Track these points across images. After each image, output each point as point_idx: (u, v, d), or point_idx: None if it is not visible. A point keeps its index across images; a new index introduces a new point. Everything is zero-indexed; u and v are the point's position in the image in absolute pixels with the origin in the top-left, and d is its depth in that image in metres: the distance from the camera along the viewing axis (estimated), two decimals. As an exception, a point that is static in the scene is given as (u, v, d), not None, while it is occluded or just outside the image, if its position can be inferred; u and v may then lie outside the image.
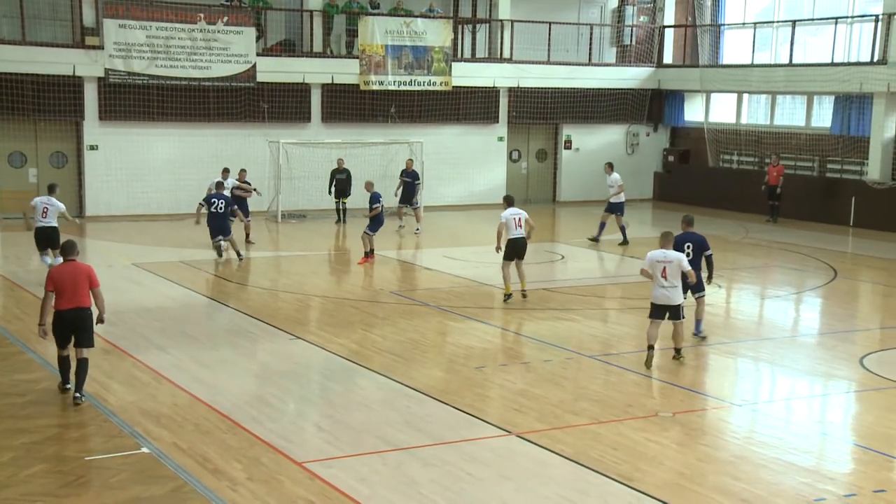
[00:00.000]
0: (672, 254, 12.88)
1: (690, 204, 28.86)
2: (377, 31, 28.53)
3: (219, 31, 26.63)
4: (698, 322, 14.39)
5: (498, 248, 16.96)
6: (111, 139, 26.25)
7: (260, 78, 27.21)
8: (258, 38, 27.59)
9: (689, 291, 13.78)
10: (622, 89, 32.37)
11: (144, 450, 9.59)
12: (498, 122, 30.99)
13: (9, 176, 25.65)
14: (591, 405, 11.26)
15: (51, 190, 18.27)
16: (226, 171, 22.52)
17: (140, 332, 14.35)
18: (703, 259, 14.05)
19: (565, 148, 32.39)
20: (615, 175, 23.74)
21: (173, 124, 26.80)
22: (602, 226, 23.61)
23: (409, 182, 25.23)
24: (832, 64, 27.52)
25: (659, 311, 12.92)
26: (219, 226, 20.09)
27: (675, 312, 12.91)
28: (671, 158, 33.03)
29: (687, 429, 10.55)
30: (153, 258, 20.48)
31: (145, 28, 25.87)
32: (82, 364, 11.17)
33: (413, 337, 14.39)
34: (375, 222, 20.30)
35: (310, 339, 14.10)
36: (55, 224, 17.81)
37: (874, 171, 26.54)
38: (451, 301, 16.83)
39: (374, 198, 20.39)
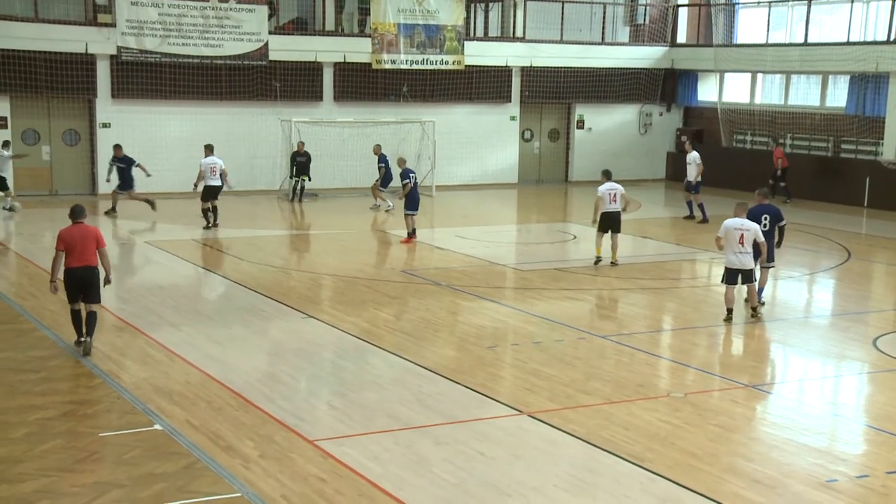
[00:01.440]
0: (749, 223, 14.02)
1: (703, 184, 28.76)
2: (390, 10, 28.41)
3: (231, 9, 26.57)
4: (760, 290, 14.84)
5: (594, 221, 18.29)
6: (123, 117, 26.27)
7: (272, 56, 27.17)
8: (270, 16, 27.52)
9: (757, 262, 14.49)
10: (635, 69, 32.21)
11: (157, 426, 9.64)
12: (510, 101, 30.89)
13: (22, 153, 25.65)
14: (602, 385, 11.26)
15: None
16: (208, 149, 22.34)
17: (153, 309, 14.39)
18: (777, 229, 15.04)
19: (578, 127, 32.27)
20: (693, 153, 24.10)
21: (185, 102, 26.79)
22: (690, 204, 24.24)
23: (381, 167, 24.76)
24: (848, 43, 27.30)
25: (733, 276, 14.06)
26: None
27: (747, 276, 14.08)
28: (684, 139, 32.86)
29: (699, 409, 10.54)
30: (165, 236, 20.54)
31: (158, 6, 25.82)
32: (91, 317, 12.12)
33: (425, 316, 14.40)
34: (411, 201, 20.20)
35: (322, 317, 14.12)
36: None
37: (889, 151, 26.36)
38: (463, 280, 16.83)
39: (405, 173, 20.32)
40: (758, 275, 14.61)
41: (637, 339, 13.34)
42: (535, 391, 11.01)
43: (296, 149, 26.16)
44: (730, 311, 14.14)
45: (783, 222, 15.13)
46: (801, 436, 9.85)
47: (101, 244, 12.04)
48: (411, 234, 20.27)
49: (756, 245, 14.01)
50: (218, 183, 21.50)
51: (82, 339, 12.09)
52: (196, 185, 22.04)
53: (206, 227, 21.29)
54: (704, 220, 23.49)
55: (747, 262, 13.99)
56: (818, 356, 13.22)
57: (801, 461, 9.20)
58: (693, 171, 23.79)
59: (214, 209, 21.46)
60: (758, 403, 11.16)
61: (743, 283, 14.17)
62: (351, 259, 18.83)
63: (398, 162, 21.11)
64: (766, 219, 14.84)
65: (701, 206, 23.79)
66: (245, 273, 17.13)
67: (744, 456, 9.30)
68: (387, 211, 24.28)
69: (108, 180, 23.31)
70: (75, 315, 12.15)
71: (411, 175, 20.36)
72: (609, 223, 18.01)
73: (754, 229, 13.95)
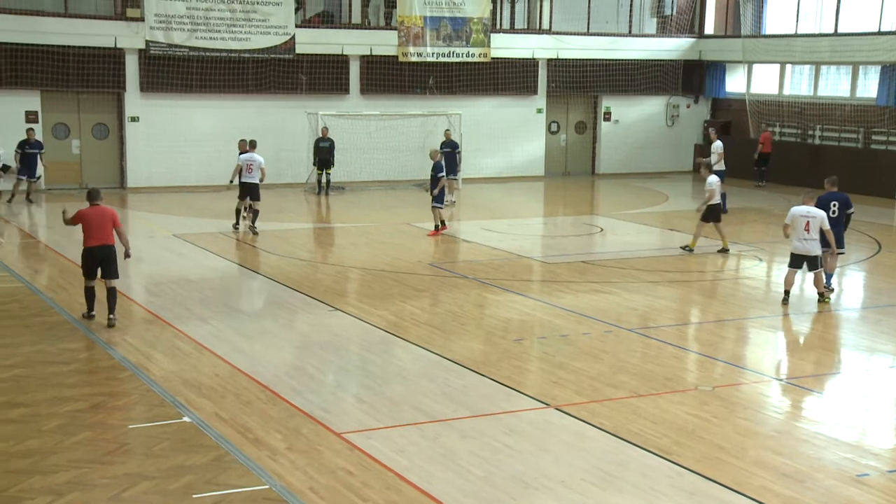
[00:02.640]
0: (815, 210, 14.50)
1: (731, 176, 28.56)
2: (416, 3, 28.40)
3: (258, 3, 26.66)
4: (829, 276, 15.29)
5: (697, 210, 19.05)
6: (152, 111, 26.45)
7: (299, 49, 27.24)
8: (297, 10, 27.60)
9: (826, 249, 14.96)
10: (662, 60, 32.04)
11: (186, 419, 9.71)
12: (537, 93, 30.81)
13: (53, 147, 25.92)
14: (630, 378, 11.22)
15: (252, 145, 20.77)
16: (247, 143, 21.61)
17: (181, 302, 14.49)
18: (845, 216, 15.52)
19: (605, 120, 32.14)
20: (718, 142, 24.33)
21: (213, 96, 26.94)
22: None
23: (450, 153, 24.99)
24: (879, 33, 27.01)
25: (797, 261, 14.62)
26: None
27: (813, 262, 14.58)
28: (711, 130, 32.64)
29: (727, 403, 10.48)
30: (193, 229, 20.66)
31: (185, 0, 25.94)
32: (111, 292, 12.97)
33: (451, 309, 14.41)
34: (440, 194, 20.27)
35: (349, 310, 14.16)
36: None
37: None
38: (489, 273, 16.82)
39: (437, 167, 20.34)
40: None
41: (664, 333, 13.29)
42: (562, 384, 10.99)
43: (320, 134, 26.21)
44: (787, 293, 14.77)
45: (851, 209, 15.57)
46: (831, 429, 9.77)
47: (117, 224, 12.97)
48: (438, 227, 20.28)
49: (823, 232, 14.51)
50: (254, 181, 20.08)
51: (92, 313, 13.15)
52: (231, 181, 21.07)
53: (235, 227, 20.37)
54: (724, 211, 23.32)
55: (813, 248, 14.45)
56: (848, 349, 13.11)
57: (832, 455, 9.13)
58: (716, 159, 23.79)
59: (255, 212, 20.23)
60: (787, 397, 11.08)
61: (809, 270, 14.66)
62: (378, 252, 18.87)
63: (430, 155, 21.03)
64: (834, 206, 15.33)
65: (723, 196, 23.58)
66: (272, 266, 17.20)
67: (772, 449, 9.23)
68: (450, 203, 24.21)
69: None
70: (89, 291, 13.13)
71: (443, 170, 20.44)
72: (713, 215, 18.51)
73: (820, 217, 14.42)
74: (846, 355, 12.92)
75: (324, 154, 26.09)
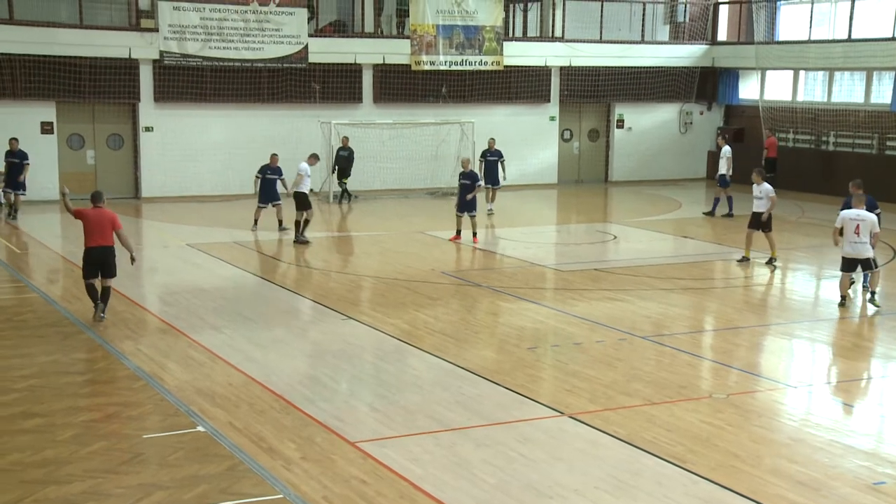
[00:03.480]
0: (865, 213, 14.86)
1: (745, 182, 28.44)
2: (428, 11, 28.47)
3: (271, 13, 26.78)
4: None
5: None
6: (166, 121, 26.57)
7: (312, 59, 27.34)
8: (310, 19, 27.69)
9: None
10: (675, 67, 32.00)
11: (200, 428, 9.73)
12: (550, 101, 30.82)
13: (68, 158, 26.07)
14: (643, 386, 11.19)
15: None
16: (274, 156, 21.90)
17: (195, 311, 14.53)
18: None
19: (618, 127, 32.12)
20: (726, 147, 24.54)
21: (226, 105, 27.05)
22: (717, 201, 24.57)
23: (494, 161, 24.87)
24: (893, 39, 26.92)
25: (850, 265, 14.91)
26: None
27: (866, 264, 14.88)
28: (725, 137, 32.57)
29: (741, 410, 10.43)
30: (207, 239, 20.73)
31: (199, 10, 26.09)
32: (106, 291, 13.81)
33: (465, 317, 14.40)
34: (466, 202, 20.19)
35: (362, 319, 14.18)
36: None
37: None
38: (502, 281, 16.81)
39: (473, 175, 20.35)
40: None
41: (678, 340, 13.25)
42: (576, 392, 10.97)
43: (340, 144, 26.29)
44: (843, 297, 15.02)
45: (878, 210, 15.88)
46: (847, 437, 9.72)
47: (116, 227, 13.60)
48: (474, 235, 20.35)
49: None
50: (303, 190, 20.43)
51: (100, 303, 13.72)
52: (289, 193, 21.04)
53: (300, 240, 20.26)
54: (730, 215, 23.69)
55: (863, 251, 14.74)
56: (864, 356, 13.03)
57: (848, 463, 9.07)
58: (724, 164, 24.02)
59: (305, 222, 20.45)
60: (801, 404, 11.02)
61: (864, 271, 15.05)
62: (391, 261, 18.89)
63: (462, 163, 20.91)
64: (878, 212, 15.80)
65: (729, 199, 24.16)
66: (285, 275, 17.23)
67: (788, 457, 9.19)
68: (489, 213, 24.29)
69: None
70: (90, 287, 13.78)
71: (478, 179, 20.50)
72: (756, 223, 18.35)
73: (871, 220, 14.76)
74: (861, 362, 12.85)
75: (342, 163, 26.20)
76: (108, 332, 13.23)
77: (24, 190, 23.01)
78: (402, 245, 20.59)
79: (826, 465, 9.01)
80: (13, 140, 23.05)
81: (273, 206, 21.33)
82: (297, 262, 18.51)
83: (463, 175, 20.42)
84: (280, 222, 21.35)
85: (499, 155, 24.95)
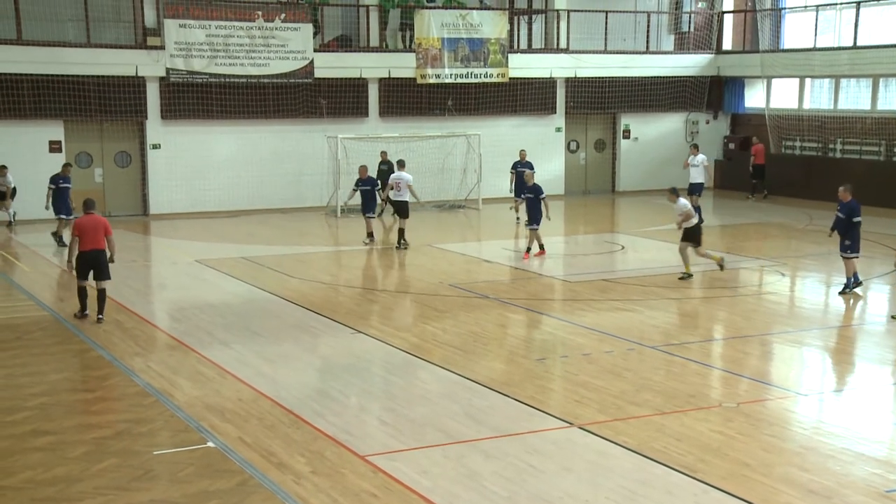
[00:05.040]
0: None
1: (742, 190, 28.56)
2: (433, 25, 28.56)
3: (276, 29, 26.89)
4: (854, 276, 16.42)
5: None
6: (173, 138, 26.66)
7: (317, 74, 27.42)
8: (315, 34, 27.79)
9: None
10: (681, 77, 32.02)
11: (210, 444, 9.74)
12: (555, 112, 30.86)
13: (76, 176, 26.12)
14: (653, 396, 11.17)
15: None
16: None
17: (204, 327, 14.56)
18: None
19: (624, 137, 32.13)
20: (701, 156, 24.69)
21: (233, 122, 27.14)
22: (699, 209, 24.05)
23: (524, 172, 24.91)
24: (898, 45, 26.90)
25: None
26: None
27: None
28: (731, 146, 32.61)
29: (752, 419, 10.41)
30: (215, 254, 20.78)
31: (205, 27, 26.21)
32: (101, 293, 14.75)
33: (473, 329, 14.41)
34: (534, 214, 20.11)
35: (371, 333, 14.19)
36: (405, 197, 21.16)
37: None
38: (510, 293, 16.81)
39: (538, 189, 20.30)
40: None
41: (687, 350, 13.23)
42: (585, 403, 10.95)
43: (380, 158, 26.43)
44: None
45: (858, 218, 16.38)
46: (858, 445, 9.68)
47: (108, 232, 14.67)
48: (533, 250, 20.19)
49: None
50: (403, 199, 21.37)
51: (85, 312, 14.74)
52: (384, 200, 21.92)
53: (402, 245, 21.11)
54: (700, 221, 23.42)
55: None
56: (874, 363, 12.99)
57: (859, 471, 9.04)
58: (702, 172, 23.89)
59: (400, 230, 21.26)
60: (812, 412, 10.99)
61: None
62: (399, 274, 18.89)
63: (526, 178, 20.96)
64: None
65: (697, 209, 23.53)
66: (294, 290, 17.26)
67: (799, 466, 9.16)
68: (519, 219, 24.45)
69: (46, 207, 22.15)
70: (81, 290, 14.75)
71: (542, 191, 20.34)
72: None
73: None
74: (872, 369, 12.81)
75: (383, 177, 26.29)
76: (117, 348, 13.27)
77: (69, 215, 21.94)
78: (410, 258, 20.61)
79: (838, 473, 8.98)
80: (67, 166, 22.53)
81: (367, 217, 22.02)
82: (306, 276, 18.53)
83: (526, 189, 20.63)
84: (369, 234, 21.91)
85: (529, 166, 25.10)
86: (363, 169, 22.30)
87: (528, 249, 20.25)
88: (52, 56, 24.97)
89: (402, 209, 21.51)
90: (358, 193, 22.12)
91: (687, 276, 17.64)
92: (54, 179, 22.06)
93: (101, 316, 14.65)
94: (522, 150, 25.79)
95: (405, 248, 21.03)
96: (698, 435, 9.91)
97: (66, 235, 20.30)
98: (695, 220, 17.87)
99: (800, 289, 17.90)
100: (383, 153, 26.49)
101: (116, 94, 25.83)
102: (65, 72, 25.10)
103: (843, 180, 18.20)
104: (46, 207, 22.20)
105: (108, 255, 14.75)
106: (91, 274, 14.68)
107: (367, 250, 21.63)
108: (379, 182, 25.76)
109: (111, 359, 12.86)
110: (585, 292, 16.91)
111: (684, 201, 18.00)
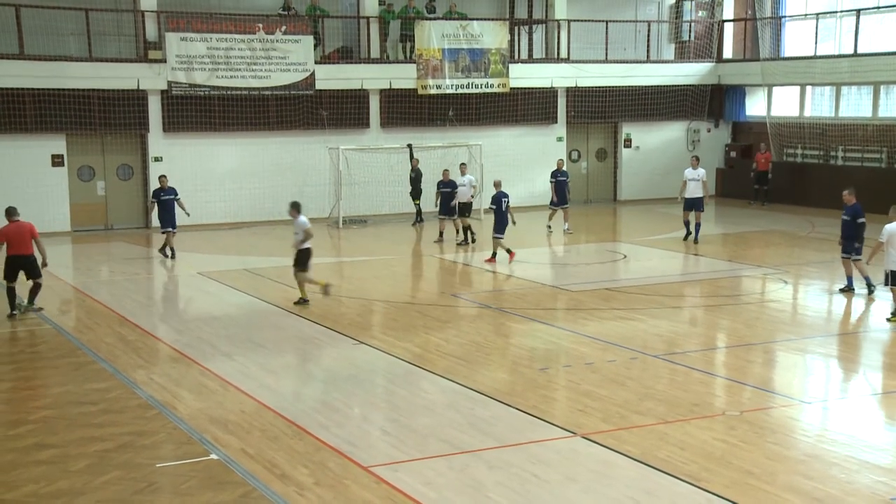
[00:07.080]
0: None
1: (744, 197, 28.54)
2: (434, 36, 28.62)
3: (277, 41, 26.95)
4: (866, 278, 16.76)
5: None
6: (175, 150, 26.69)
7: (319, 85, 27.47)
8: (316, 46, 27.84)
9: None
10: (682, 86, 32.06)
11: (213, 456, 9.73)
12: (556, 122, 30.89)
13: (78, 190, 26.22)
14: (656, 405, 11.15)
15: None
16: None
17: (207, 339, 14.56)
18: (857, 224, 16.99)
19: (625, 146, 32.16)
20: (701, 170, 23.85)
21: (235, 134, 27.18)
22: (688, 224, 23.51)
23: (564, 181, 25.23)
24: (899, 52, 26.92)
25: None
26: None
27: None
28: (733, 154, 32.62)
29: (755, 427, 10.39)
30: (218, 266, 20.78)
31: (206, 40, 26.27)
32: (36, 286, 16.04)
33: (476, 339, 14.39)
34: (498, 223, 20.71)
35: (373, 343, 14.18)
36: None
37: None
38: (513, 303, 16.80)
39: (495, 198, 20.84)
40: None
41: (690, 358, 13.21)
42: (589, 412, 10.93)
43: (410, 166, 26.71)
44: None
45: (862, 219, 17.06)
46: (862, 453, 9.66)
47: (34, 235, 15.72)
48: (509, 252, 20.69)
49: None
50: (467, 200, 23.38)
51: (14, 313, 15.76)
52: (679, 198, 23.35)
53: (461, 243, 22.97)
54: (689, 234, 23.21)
55: None
56: (879, 370, 12.97)
57: (864, 479, 9.02)
58: (701, 187, 23.26)
59: (466, 228, 22.99)
60: (816, 420, 10.97)
61: None
62: (401, 284, 18.89)
63: (494, 184, 21.53)
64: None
65: (687, 223, 23.29)
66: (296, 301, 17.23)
67: (803, 474, 9.14)
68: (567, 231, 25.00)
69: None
70: (10, 291, 15.82)
71: (504, 198, 20.86)
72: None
73: None
74: (876, 377, 12.79)
75: (416, 185, 26.53)
76: (119, 361, 13.27)
77: (174, 227, 21.81)
78: (412, 268, 20.60)
79: (842, 481, 8.96)
80: (162, 178, 22.21)
81: (450, 219, 23.55)
82: (308, 287, 18.52)
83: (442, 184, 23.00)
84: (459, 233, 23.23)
85: (566, 175, 25.27)
86: (445, 173, 24.18)
87: (494, 254, 20.73)
88: (54, 70, 25.03)
89: (465, 210, 23.47)
90: (437, 195, 24.00)
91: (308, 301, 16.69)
92: (156, 193, 22.05)
93: (31, 304, 15.97)
94: (560, 160, 26.64)
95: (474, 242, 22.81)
96: (702, 443, 9.89)
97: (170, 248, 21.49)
98: (309, 244, 16.57)
99: (802, 296, 17.88)
100: (415, 160, 26.86)
101: (118, 107, 25.88)
102: (67, 86, 25.15)
103: (845, 188, 18.22)
104: (151, 223, 23.68)
105: (41, 258, 15.81)
106: (22, 274, 15.79)
107: (369, 261, 21.63)
108: (412, 189, 26.34)
109: (114, 371, 12.85)
110: (588, 301, 16.89)
111: (305, 220, 16.54)
